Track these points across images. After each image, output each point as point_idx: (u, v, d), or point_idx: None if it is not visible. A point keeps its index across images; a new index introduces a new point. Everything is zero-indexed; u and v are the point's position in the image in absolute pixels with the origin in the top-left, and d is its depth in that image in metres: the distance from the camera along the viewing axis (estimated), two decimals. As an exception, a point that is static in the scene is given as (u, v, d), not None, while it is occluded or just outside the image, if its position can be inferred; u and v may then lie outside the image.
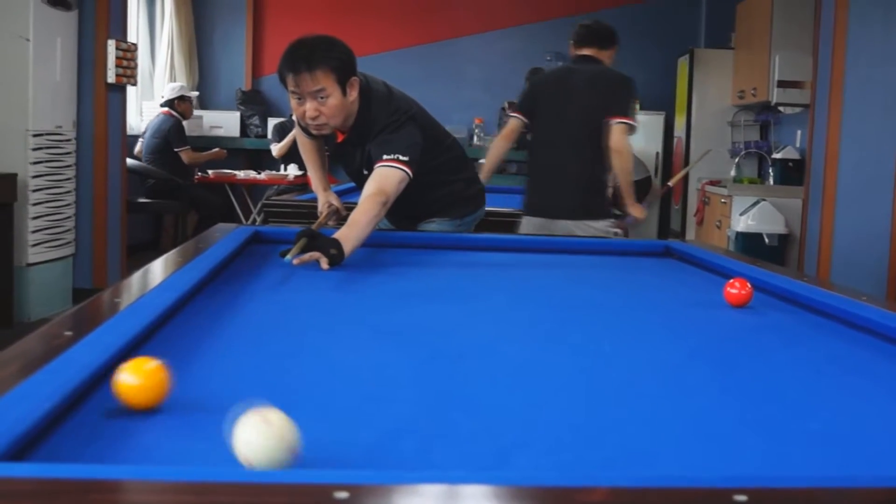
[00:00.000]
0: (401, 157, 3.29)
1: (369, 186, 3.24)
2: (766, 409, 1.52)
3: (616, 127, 4.72)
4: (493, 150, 5.19)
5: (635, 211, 4.87)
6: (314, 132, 3.42)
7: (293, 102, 3.32)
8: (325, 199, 3.81)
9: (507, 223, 4.77)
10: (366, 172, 3.42)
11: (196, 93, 9.55)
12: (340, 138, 3.52)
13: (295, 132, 3.95)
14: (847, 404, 1.58)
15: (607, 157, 4.75)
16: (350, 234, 2.99)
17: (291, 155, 8.82)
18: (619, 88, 4.90)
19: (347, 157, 3.63)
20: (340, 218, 3.72)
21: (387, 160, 3.28)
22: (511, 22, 11.41)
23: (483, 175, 4.85)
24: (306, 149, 3.92)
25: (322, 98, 3.23)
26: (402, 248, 3.37)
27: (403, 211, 3.62)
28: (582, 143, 4.83)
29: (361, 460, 1.18)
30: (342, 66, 3.25)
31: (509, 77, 10.94)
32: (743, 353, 2.00)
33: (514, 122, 5.07)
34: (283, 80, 3.30)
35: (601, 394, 1.57)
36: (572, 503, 0.95)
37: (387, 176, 3.25)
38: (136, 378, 1.32)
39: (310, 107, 3.25)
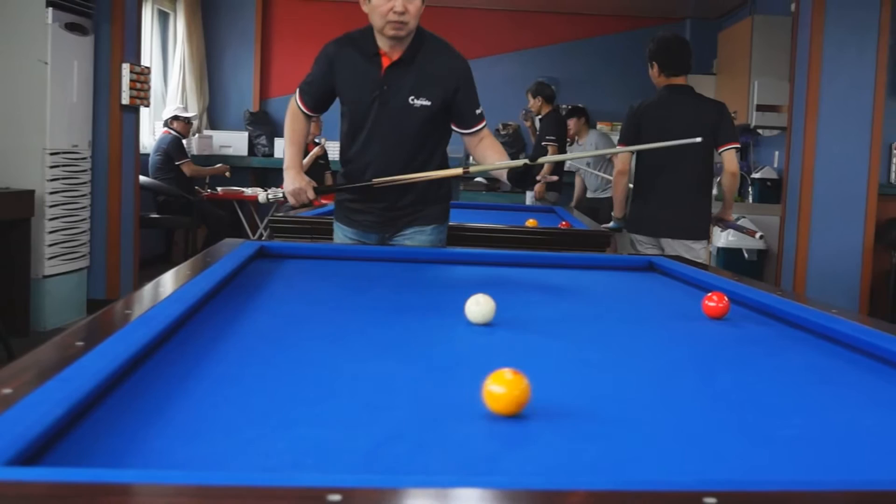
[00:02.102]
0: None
1: (495, 147, 3.79)
2: (744, 416, 1.53)
3: (730, 152, 5.18)
4: (622, 186, 5.41)
5: (730, 216, 5.45)
6: (392, 33, 3.49)
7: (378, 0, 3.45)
8: (302, 178, 3.72)
9: (498, 238, 4.78)
10: (412, 100, 3.61)
11: (191, 113, 9.58)
12: (387, 63, 3.61)
13: (290, 109, 3.89)
14: (820, 412, 1.59)
15: (709, 179, 5.29)
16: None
17: (311, 172, 8.82)
18: (724, 115, 5.23)
19: (392, 87, 3.63)
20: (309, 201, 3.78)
21: (483, 123, 3.79)
22: (508, 48, 11.49)
23: (618, 211, 5.42)
24: (298, 124, 3.86)
25: None
26: (398, 262, 3.37)
27: (404, 197, 3.76)
28: (692, 170, 5.18)
29: (356, 465, 1.19)
30: None
31: (508, 99, 10.99)
32: (722, 362, 2.01)
33: (628, 155, 5.38)
34: None
35: (586, 401, 1.58)
36: (554, 506, 0.96)
37: (498, 146, 3.84)
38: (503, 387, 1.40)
39: (399, 2, 3.41)
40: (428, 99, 3.61)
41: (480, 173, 3.57)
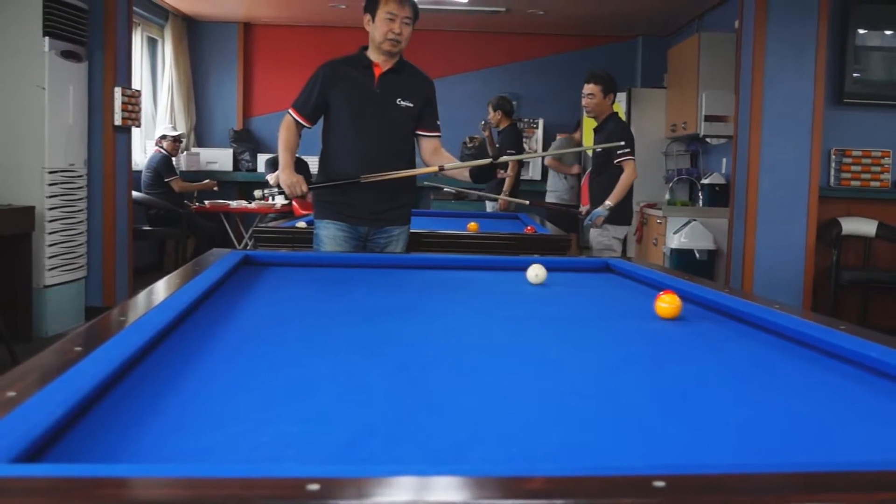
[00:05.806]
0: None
1: (448, 156, 4.34)
2: (691, 406, 1.54)
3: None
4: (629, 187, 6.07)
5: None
6: (388, 47, 4.12)
7: (383, 17, 4.09)
8: (295, 175, 4.18)
9: (469, 244, 4.79)
10: (399, 101, 4.18)
11: (176, 132, 9.52)
12: (379, 72, 4.18)
13: (284, 123, 4.31)
14: (763, 400, 1.60)
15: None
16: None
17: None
18: None
19: (384, 90, 4.19)
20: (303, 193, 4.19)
21: (440, 133, 4.37)
22: (472, 66, 11.51)
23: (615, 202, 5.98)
24: (290, 134, 4.31)
25: (407, 24, 4.11)
26: (373, 269, 3.38)
27: (392, 188, 4.19)
28: None
29: (334, 457, 1.20)
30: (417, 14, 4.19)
31: (473, 114, 10.98)
32: (672, 356, 2.01)
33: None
34: (375, 6, 4.13)
35: (546, 395, 1.59)
36: (515, 491, 0.97)
37: (450, 156, 4.36)
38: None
39: (399, 24, 4.08)
40: (411, 101, 4.22)
41: (453, 169, 3.87)
